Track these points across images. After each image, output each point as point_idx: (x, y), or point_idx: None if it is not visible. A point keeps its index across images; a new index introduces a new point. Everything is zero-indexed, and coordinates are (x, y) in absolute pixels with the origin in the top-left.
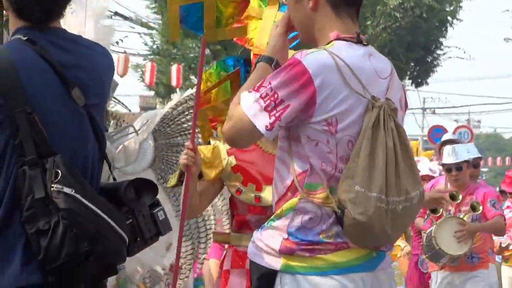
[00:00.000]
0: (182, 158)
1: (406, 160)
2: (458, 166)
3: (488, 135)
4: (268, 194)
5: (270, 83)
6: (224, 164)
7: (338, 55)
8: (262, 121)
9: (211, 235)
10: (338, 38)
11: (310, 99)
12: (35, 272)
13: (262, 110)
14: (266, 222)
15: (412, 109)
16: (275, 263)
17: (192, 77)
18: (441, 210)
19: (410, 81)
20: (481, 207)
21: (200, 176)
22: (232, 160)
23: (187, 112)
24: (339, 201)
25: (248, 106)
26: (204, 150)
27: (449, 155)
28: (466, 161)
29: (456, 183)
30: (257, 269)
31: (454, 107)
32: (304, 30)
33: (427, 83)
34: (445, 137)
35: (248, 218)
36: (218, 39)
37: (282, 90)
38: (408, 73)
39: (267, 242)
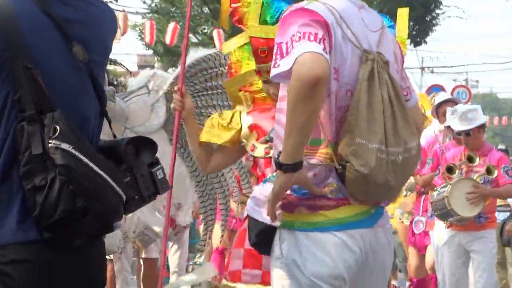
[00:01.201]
0: (172, 102)
1: (402, 112)
2: (467, 132)
3: (484, 95)
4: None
5: (290, 34)
6: (243, 124)
7: (332, 5)
8: (314, 47)
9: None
10: None
11: (330, 39)
12: (31, 228)
13: (306, 42)
14: (268, 177)
15: (410, 68)
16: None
17: (191, 35)
18: (456, 170)
19: (409, 40)
20: (496, 171)
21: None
22: (250, 120)
23: (200, 74)
24: (341, 156)
25: (294, 54)
26: (225, 114)
27: (461, 121)
28: (476, 127)
29: (468, 147)
30: (256, 224)
31: (452, 66)
32: None
33: (425, 42)
34: (442, 97)
35: (267, 174)
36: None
37: (307, 28)
38: (407, 32)
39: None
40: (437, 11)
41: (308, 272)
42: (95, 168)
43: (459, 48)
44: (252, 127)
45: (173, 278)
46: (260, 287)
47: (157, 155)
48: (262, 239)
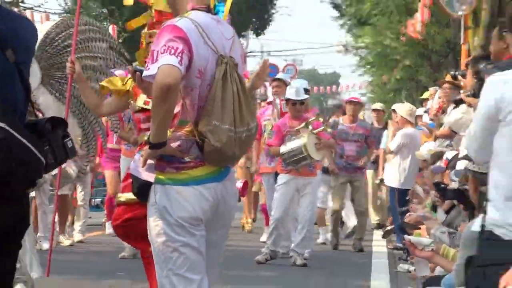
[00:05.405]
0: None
1: (246, 101)
2: (302, 101)
3: (308, 71)
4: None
5: (161, 46)
6: (129, 86)
7: (196, 20)
8: (172, 60)
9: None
10: (193, 9)
11: (189, 50)
12: None
13: (167, 55)
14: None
15: (254, 52)
16: (150, 177)
17: None
18: (310, 126)
19: (252, 32)
20: (310, 126)
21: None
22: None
23: (61, 35)
24: (200, 133)
25: (158, 63)
26: (119, 80)
27: (295, 93)
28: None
29: (298, 112)
30: (136, 180)
31: (284, 50)
32: (172, 5)
33: (264, 33)
34: (277, 76)
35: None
36: None
37: (171, 43)
38: (251, 26)
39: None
40: (272, 11)
41: (174, 215)
42: (23, 140)
43: (288, 37)
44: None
45: (80, 211)
46: None
47: (41, 102)
48: (142, 191)
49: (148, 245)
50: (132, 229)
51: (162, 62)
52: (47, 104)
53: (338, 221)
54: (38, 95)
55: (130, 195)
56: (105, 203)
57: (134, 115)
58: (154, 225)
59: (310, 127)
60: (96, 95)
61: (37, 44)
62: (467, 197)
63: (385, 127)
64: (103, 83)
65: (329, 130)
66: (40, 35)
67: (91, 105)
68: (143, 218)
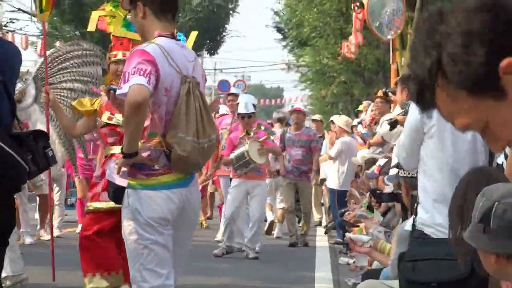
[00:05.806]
0: (42, 98)
1: (207, 115)
2: (249, 115)
3: (256, 86)
4: (118, 117)
5: (131, 68)
6: (97, 106)
7: (162, 45)
8: (141, 80)
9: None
10: (160, 35)
11: (156, 71)
12: None
13: (137, 76)
14: (115, 160)
15: (208, 69)
16: (124, 182)
17: None
18: (251, 133)
19: (207, 51)
20: (252, 133)
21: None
22: (102, 103)
23: (57, 59)
24: (167, 144)
25: (129, 83)
26: (88, 101)
27: (244, 107)
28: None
29: (248, 125)
30: (112, 185)
31: (234, 68)
32: (141, 33)
33: (217, 53)
34: (231, 91)
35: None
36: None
37: (141, 65)
38: (205, 46)
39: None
40: (224, 33)
41: (145, 216)
42: (8, 149)
43: (238, 56)
44: (102, 108)
45: (55, 209)
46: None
47: (33, 120)
48: (117, 195)
49: (90, 272)
50: (95, 250)
51: (133, 82)
52: (36, 118)
53: (294, 219)
54: (30, 111)
55: (97, 204)
56: (76, 205)
57: (100, 130)
58: (127, 225)
59: (252, 134)
60: (70, 119)
61: (37, 66)
62: (401, 200)
63: (323, 136)
64: (74, 104)
65: (272, 137)
66: (41, 60)
67: (65, 127)
68: (111, 243)
